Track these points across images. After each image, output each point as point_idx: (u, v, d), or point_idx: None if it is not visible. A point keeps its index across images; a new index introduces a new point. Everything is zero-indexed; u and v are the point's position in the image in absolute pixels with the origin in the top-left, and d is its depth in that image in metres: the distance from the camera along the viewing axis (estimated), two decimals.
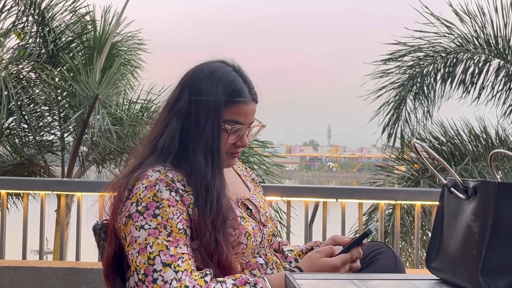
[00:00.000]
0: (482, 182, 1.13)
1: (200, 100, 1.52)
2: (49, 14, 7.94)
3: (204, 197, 1.46)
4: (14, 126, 7.71)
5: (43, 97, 7.85)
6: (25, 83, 7.86)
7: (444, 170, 6.74)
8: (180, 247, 1.41)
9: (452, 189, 1.20)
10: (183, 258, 1.40)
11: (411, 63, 7.91)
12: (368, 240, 1.58)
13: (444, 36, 7.78)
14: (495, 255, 1.07)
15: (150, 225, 1.41)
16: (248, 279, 1.41)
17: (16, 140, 7.96)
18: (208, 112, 1.51)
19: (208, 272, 1.41)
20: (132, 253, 1.42)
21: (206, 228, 1.44)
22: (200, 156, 1.49)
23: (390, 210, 6.31)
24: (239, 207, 1.61)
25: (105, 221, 1.61)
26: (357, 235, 1.57)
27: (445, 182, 1.23)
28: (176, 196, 1.45)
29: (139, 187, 1.45)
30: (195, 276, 1.39)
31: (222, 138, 1.52)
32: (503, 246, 1.07)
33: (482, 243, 1.07)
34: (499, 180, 1.17)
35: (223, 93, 1.52)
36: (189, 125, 1.51)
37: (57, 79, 7.82)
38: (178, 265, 1.39)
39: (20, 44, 7.99)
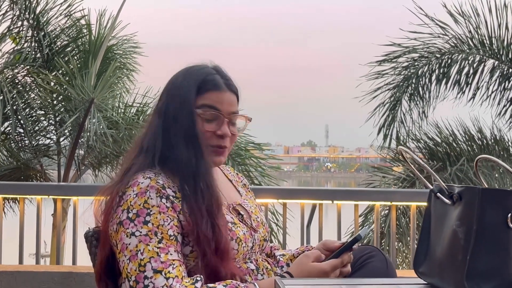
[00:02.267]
0: (467, 188, 1.14)
1: (175, 95, 1.58)
2: (44, 19, 7.95)
3: (193, 185, 1.48)
4: (10, 131, 7.72)
5: (39, 102, 7.85)
6: (21, 88, 7.86)
7: (439, 172, 6.76)
8: (171, 254, 1.42)
9: (438, 194, 1.21)
10: (173, 264, 1.41)
11: (406, 64, 7.92)
12: (363, 243, 1.59)
13: (439, 37, 7.79)
14: (480, 260, 1.08)
15: (141, 232, 1.42)
16: (238, 285, 1.42)
17: (12, 144, 7.96)
18: (181, 103, 1.55)
19: (199, 279, 1.42)
20: (123, 260, 1.43)
21: (202, 215, 1.45)
22: (182, 147, 1.52)
23: (386, 211, 6.32)
24: (230, 212, 1.62)
25: (96, 228, 1.62)
26: (350, 238, 1.58)
27: (431, 187, 1.25)
28: (166, 202, 1.46)
29: (129, 194, 1.46)
30: (186, 282, 1.40)
31: (198, 125, 1.55)
32: (488, 251, 1.08)
33: (467, 248, 1.08)
34: (486, 186, 1.18)
35: (194, 83, 1.57)
36: (168, 121, 1.56)
37: (52, 83, 7.82)
38: (169, 271, 1.39)
39: (16, 48, 7.99)
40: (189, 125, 1.53)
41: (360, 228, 5.94)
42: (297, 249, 1.82)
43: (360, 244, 1.62)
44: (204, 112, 1.56)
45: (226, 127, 1.58)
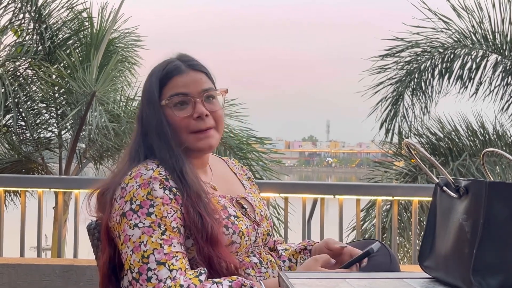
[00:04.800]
0: (473, 181, 1.13)
1: (144, 99, 1.59)
2: (46, 11, 7.94)
3: (175, 176, 1.48)
4: (12, 124, 7.71)
5: (40, 94, 7.84)
6: (22, 80, 7.85)
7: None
8: (174, 246, 1.41)
9: (444, 188, 1.20)
10: (177, 256, 1.40)
11: (408, 58, 7.90)
12: (365, 237, 1.59)
13: (442, 31, 7.77)
14: (486, 254, 1.07)
15: (144, 223, 1.42)
16: (244, 282, 1.41)
17: (14, 137, 7.96)
18: (148, 105, 1.56)
19: (202, 271, 1.41)
20: (126, 252, 1.42)
21: (188, 202, 1.46)
22: (158, 144, 1.53)
23: (388, 206, 6.31)
24: (233, 205, 1.61)
25: (99, 221, 1.61)
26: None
27: (437, 181, 1.23)
28: (170, 194, 1.46)
29: (132, 185, 1.45)
30: (190, 275, 1.39)
31: (169, 116, 1.54)
32: (494, 245, 1.07)
33: (474, 242, 1.07)
34: (491, 179, 1.17)
35: (156, 79, 1.57)
36: (144, 126, 1.57)
37: (54, 76, 7.81)
38: (172, 263, 1.39)
39: (17, 41, 7.98)
40: (158, 122, 1.53)
41: (362, 223, 5.94)
42: (300, 243, 1.81)
43: (362, 238, 1.62)
44: (171, 100, 1.55)
45: (200, 106, 1.55)
